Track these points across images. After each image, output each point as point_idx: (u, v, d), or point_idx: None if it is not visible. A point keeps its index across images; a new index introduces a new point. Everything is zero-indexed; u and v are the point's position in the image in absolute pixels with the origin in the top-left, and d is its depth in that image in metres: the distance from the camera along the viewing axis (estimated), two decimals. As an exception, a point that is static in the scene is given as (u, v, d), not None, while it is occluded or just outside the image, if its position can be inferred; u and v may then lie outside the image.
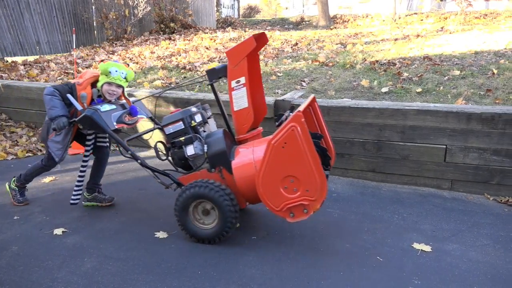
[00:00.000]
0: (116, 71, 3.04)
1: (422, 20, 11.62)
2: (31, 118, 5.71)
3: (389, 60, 5.83)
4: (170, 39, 9.33)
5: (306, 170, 2.43)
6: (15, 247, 2.84)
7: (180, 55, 7.29)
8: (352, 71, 5.48)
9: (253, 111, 2.92)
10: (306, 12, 23.41)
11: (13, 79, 6.22)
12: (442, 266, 2.60)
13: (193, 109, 3.01)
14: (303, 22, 14.08)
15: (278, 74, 5.67)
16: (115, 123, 3.00)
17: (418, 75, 4.95)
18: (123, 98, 3.26)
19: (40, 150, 5.02)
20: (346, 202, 3.58)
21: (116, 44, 9.34)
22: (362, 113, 3.93)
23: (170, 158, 3.08)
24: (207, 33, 10.19)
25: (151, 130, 3.31)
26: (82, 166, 3.30)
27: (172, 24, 10.67)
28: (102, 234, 3.03)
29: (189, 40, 8.93)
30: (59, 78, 6.26)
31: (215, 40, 8.76)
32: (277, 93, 4.85)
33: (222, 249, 2.81)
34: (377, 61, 5.80)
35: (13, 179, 3.52)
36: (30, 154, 4.91)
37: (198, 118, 2.99)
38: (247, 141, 2.96)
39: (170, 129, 2.93)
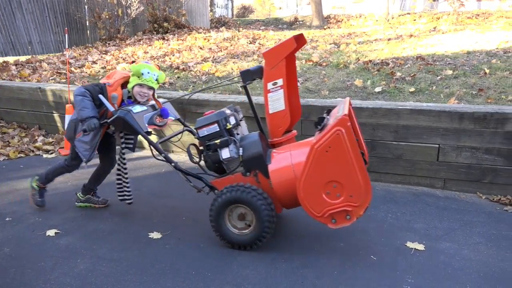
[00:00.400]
0: (148, 73, 2.97)
1: (415, 20, 11.68)
2: (23, 118, 5.66)
3: (382, 60, 5.85)
4: (163, 39, 9.29)
5: (351, 175, 2.37)
6: (7, 249, 2.82)
7: (173, 55, 7.27)
8: (345, 71, 5.50)
9: (289, 113, 2.83)
10: (300, 12, 23.45)
11: (4, 79, 6.17)
12: (435, 264, 2.62)
13: (227, 111, 2.91)
14: (297, 22, 14.10)
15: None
16: (146, 125, 2.94)
17: (411, 75, 4.97)
18: (151, 99, 3.17)
19: (33, 151, 4.98)
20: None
21: (109, 44, 9.29)
22: (355, 112, 3.93)
23: (201, 160, 2.99)
24: (200, 33, 10.16)
25: (181, 132, 3.24)
26: (123, 168, 3.20)
27: (165, 24, 10.63)
28: (95, 235, 3.01)
29: (182, 40, 8.90)
30: (51, 78, 6.22)
31: (208, 40, 8.74)
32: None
33: (216, 249, 2.81)
34: (370, 61, 5.82)
35: (35, 178, 3.42)
36: (22, 155, 4.87)
37: (232, 120, 2.88)
38: (281, 145, 2.86)
39: (204, 132, 2.82)
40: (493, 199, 3.61)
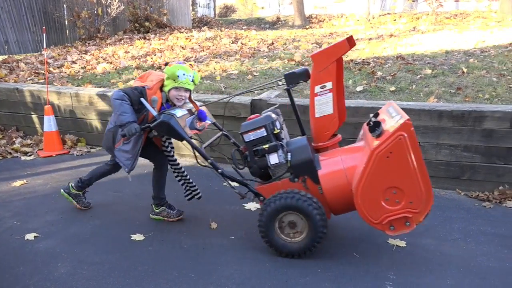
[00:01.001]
0: (183, 75, 2.84)
1: (395, 20, 11.86)
2: (0, 120, 5.52)
3: (363, 60, 5.92)
4: (145, 38, 9.20)
5: (412, 181, 2.30)
6: (-16, 254, 2.74)
7: (155, 55, 7.20)
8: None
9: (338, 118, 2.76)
10: (282, 11, 23.52)
11: (-20, 80, 6.00)
12: (416, 260, 2.66)
13: (273, 115, 2.78)
14: (279, 22, 14.15)
15: (255, 73, 5.68)
16: (189, 129, 2.84)
17: (392, 74, 5.04)
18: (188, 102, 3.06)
19: (10, 153, 4.86)
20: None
21: (89, 43, 9.14)
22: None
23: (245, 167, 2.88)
24: (182, 32, 10.10)
25: (219, 136, 3.13)
26: (177, 167, 3.13)
27: (146, 23, 10.52)
28: (76, 239, 2.96)
29: (164, 40, 8.83)
30: (29, 78, 6.08)
31: (190, 40, 8.69)
32: (253, 92, 4.85)
33: (200, 250, 2.79)
34: (351, 60, 5.88)
35: (70, 185, 3.34)
36: (-1, 157, 4.75)
37: (278, 124, 2.77)
38: (326, 149, 2.79)
39: (250, 136, 2.70)
40: (472, 195, 3.70)
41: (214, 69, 5.98)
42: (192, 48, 7.78)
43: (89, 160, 4.66)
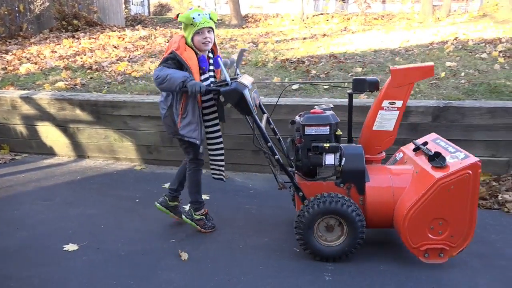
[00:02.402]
0: (199, 15, 2.59)
1: (327, 20, 12.29)
2: None
3: (298, 58, 6.07)
4: (73, 37, 8.71)
5: (461, 218, 2.40)
6: None
7: (85, 54, 6.84)
8: (264, 69, 5.61)
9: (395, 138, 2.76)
10: (219, 11, 23.45)
11: None
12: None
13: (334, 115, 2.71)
14: (216, 21, 14.09)
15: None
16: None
17: (325, 72, 5.22)
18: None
19: None
20: (263, 197, 3.65)
21: (10, 42, 8.46)
22: (275, 110, 4.03)
23: (279, 157, 2.72)
24: (115, 31, 9.69)
25: (268, 119, 2.96)
26: (216, 139, 2.87)
27: (75, 22, 9.96)
28: (2, 253, 2.72)
29: (95, 39, 8.42)
30: None
31: (123, 39, 8.37)
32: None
33: (138, 256, 2.70)
34: (287, 59, 6.00)
35: (190, 209, 3.02)
36: None
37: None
38: (370, 163, 2.78)
39: (312, 130, 2.63)
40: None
41: (149, 69, 5.82)
42: (126, 48, 7.50)
43: (14, 168, 4.32)
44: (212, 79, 2.79)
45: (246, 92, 2.54)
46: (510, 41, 6.48)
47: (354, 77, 2.83)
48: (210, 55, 2.81)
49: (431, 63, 2.70)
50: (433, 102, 3.91)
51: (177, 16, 2.69)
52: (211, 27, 2.67)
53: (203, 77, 2.71)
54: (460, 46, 6.38)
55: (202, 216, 3.00)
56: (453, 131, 3.82)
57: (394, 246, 2.70)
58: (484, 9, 9.69)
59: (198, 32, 2.62)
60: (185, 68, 2.60)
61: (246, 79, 2.70)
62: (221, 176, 2.97)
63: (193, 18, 2.58)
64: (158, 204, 3.06)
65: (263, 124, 2.73)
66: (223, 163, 2.96)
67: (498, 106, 3.76)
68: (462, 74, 4.92)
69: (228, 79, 2.58)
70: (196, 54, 2.68)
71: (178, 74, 2.53)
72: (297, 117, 2.85)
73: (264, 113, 2.97)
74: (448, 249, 2.48)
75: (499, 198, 3.47)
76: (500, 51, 5.79)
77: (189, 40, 2.65)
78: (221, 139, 2.92)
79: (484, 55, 5.68)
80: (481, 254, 2.71)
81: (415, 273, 2.50)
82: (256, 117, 2.63)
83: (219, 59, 2.73)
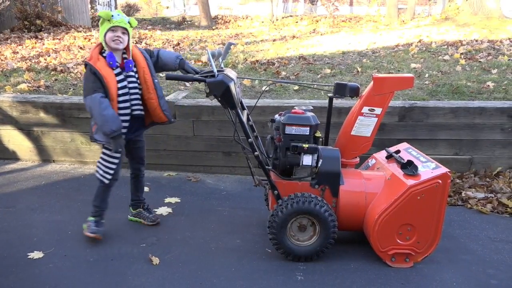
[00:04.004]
0: (118, 15, 2.61)
1: (297, 22, 12.43)
2: None
3: (268, 60, 6.10)
4: (36, 37, 8.41)
5: (428, 225, 2.49)
6: None
7: (49, 55, 6.63)
8: (234, 70, 5.59)
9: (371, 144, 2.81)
10: (188, 12, 23.26)
11: None
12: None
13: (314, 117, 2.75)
14: (185, 22, 13.96)
15: (160, 74, 5.52)
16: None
17: (295, 74, 5.27)
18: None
19: None
20: (235, 199, 3.65)
21: (-32, 42, 8.09)
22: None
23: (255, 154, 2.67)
24: (80, 31, 9.43)
25: (247, 116, 2.90)
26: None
27: (38, 21, 9.62)
28: (-40, 264, 2.60)
29: (59, 39, 8.17)
30: None
31: (90, 40, 8.16)
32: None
33: (107, 262, 2.64)
34: (257, 60, 6.02)
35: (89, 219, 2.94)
36: None
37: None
38: (345, 167, 2.83)
39: (292, 130, 2.64)
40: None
41: (117, 70, 5.69)
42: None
43: (-27, 174, 4.13)
44: (130, 79, 2.73)
45: (232, 85, 2.54)
46: (470, 44, 6.76)
47: (336, 81, 2.89)
48: (125, 56, 2.77)
49: (411, 75, 2.81)
50: (399, 102, 4.02)
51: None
52: (126, 29, 2.67)
53: (118, 77, 2.67)
54: (424, 48, 6.60)
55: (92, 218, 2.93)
56: (419, 131, 3.95)
57: (364, 244, 2.75)
58: (446, 12, 10.05)
59: (112, 29, 2.62)
60: (102, 85, 2.58)
61: (231, 73, 2.71)
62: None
63: (112, 16, 2.61)
64: (129, 217, 3.18)
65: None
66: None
67: (460, 106, 3.91)
68: (426, 75, 5.09)
69: (215, 70, 2.57)
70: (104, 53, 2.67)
71: (110, 122, 2.55)
72: (276, 115, 2.87)
73: (244, 109, 2.97)
74: (414, 254, 2.58)
75: (463, 195, 3.61)
76: (462, 53, 6.04)
77: (102, 36, 2.65)
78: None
79: (446, 57, 5.90)
80: (446, 249, 2.80)
81: (384, 270, 2.56)
82: (240, 111, 2.63)
83: (207, 50, 2.78)
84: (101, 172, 2.83)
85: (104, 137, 2.64)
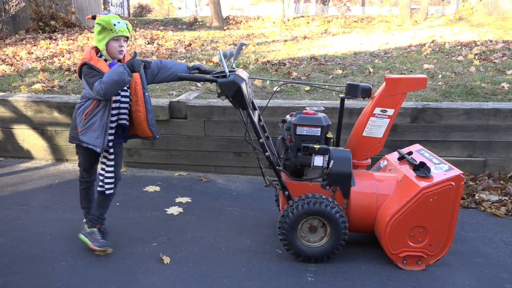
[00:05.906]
0: (119, 23, 2.50)
1: (308, 22, 12.40)
2: None
3: (279, 60, 6.10)
4: (51, 38, 8.54)
5: (441, 227, 2.46)
6: None
7: (63, 56, 6.72)
8: (245, 71, 5.60)
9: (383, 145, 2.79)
10: (200, 12, 23.36)
11: None
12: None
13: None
14: (197, 23, 14.02)
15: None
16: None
17: (306, 74, 5.26)
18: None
19: None
20: (245, 199, 3.65)
21: (-16, 43, 8.24)
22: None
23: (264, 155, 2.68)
24: (93, 32, 9.56)
25: (259, 116, 2.89)
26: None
27: (52, 22, 9.76)
28: (-25, 260, 2.64)
29: (73, 40, 8.28)
30: None
31: (103, 40, 8.25)
32: (172, 94, 4.75)
33: (119, 260, 2.66)
34: (268, 61, 6.02)
35: (84, 224, 2.83)
36: None
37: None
38: (357, 168, 2.80)
39: (303, 130, 2.64)
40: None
41: (129, 70, 5.74)
42: (105, 49, 7.39)
43: (-12, 172, 4.20)
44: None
45: (243, 86, 2.52)
46: (484, 44, 6.67)
47: (348, 82, 2.87)
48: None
49: (424, 76, 2.77)
50: (411, 103, 3.99)
51: (93, 17, 2.59)
52: (127, 37, 2.61)
53: None
54: (437, 49, 6.53)
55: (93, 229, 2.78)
56: (431, 132, 3.91)
57: (375, 246, 2.73)
58: (460, 12, 9.94)
59: (116, 39, 2.54)
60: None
61: (243, 73, 2.69)
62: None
63: (114, 25, 2.50)
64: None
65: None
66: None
67: (474, 108, 3.86)
68: (439, 76, 5.04)
69: (227, 70, 2.55)
70: (106, 61, 2.58)
71: (116, 70, 2.40)
72: (288, 116, 2.86)
73: (255, 109, 2.95)
74: (426, 257, 2.54)
75: (476, 197, 3.56)
76: (476, 54, 5.95)
77: (102, 45, 2.54)
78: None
79: (460, 58, 5.83)
80: (459, 252, 2.77)
81: (396, 273, 2.54)
82: (251, 112, 2.62)
83: (219, 50, 2.75)
84: (105, 185, 2.72)
85: (97, 131, 2.54)
